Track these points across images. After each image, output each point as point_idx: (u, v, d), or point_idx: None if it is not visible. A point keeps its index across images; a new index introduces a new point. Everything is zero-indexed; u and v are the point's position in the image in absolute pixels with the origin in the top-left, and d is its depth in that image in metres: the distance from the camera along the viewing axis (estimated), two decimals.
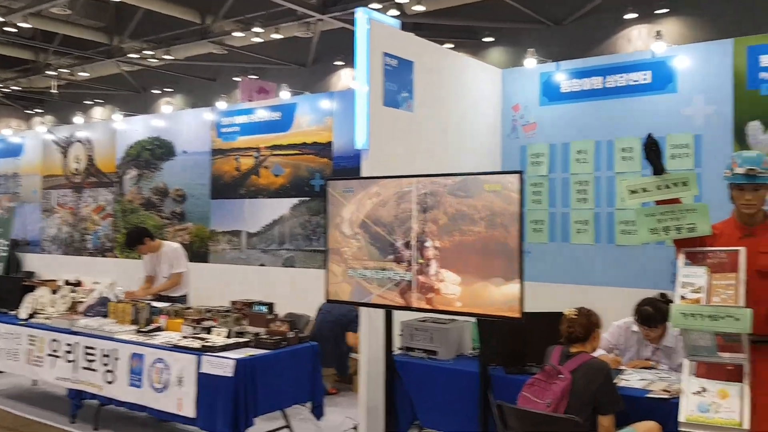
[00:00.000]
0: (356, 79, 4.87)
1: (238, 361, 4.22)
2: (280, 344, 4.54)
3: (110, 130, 10.38)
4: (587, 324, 3.45)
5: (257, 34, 14.15)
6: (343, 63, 16.48)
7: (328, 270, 4.21)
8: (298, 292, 7.55)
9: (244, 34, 14.49)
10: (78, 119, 11.40)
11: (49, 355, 5.37)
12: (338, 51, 16.32)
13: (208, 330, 4.89)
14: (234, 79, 17.07)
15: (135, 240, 6.09)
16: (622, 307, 4.35)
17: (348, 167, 7.60)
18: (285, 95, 8.24)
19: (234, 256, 8.62)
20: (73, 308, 6.00)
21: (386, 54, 4.94)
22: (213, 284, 7.40)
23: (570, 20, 14.35)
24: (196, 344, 4.54)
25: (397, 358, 4.13)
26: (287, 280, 7.92)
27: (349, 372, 6.32)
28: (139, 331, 5.09)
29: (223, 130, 8.86)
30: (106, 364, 4.93)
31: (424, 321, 4.40)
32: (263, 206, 8.38)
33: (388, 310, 4.00)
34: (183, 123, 9.49)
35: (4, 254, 6.78)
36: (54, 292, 6.08)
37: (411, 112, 5.20)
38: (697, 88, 5.24)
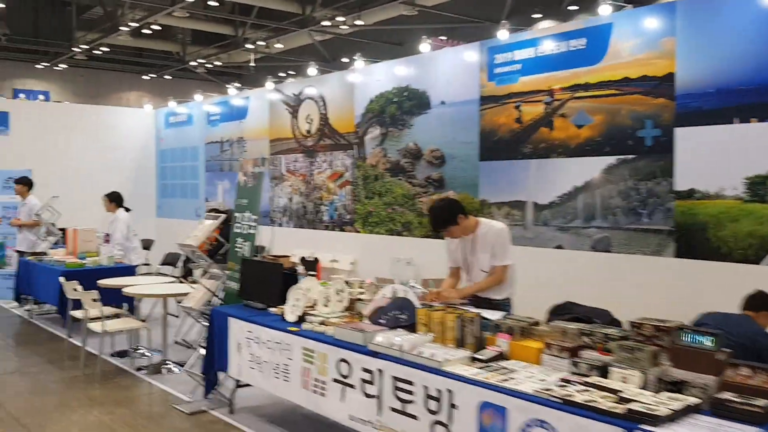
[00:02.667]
0: None
1: None
2: None
3: (346, 83, 8.83)
4: None
5: None
6: (541, 15, 14.01)
7: None
8: (631, 292, 5.41)
9: None
10: (312, 71, 9.98)
11: (336, 381, 3.71)
12: (535, 2, 13.97)
13: (603, 371, 2.91)
14: (425, 41, 15.54)
15: (447, 219, 4.08)
16: None
17: (703, 109, 5.27)
18: (606, 9, 5.90)
19: (517, 234, 6.63)
20: (351, 308, 4.36)
21: None
22: None
23: None
24: (612, 404, 2.55)
25: None
26: (607, 272, 5.78)
27: None
28: (474, 359, 3.25)
29: (498, 70, 6.85)
30: (433, 412, 3.14)
31: None
32: (559, 169, 6.28)
33: None
34: (439, 66, 7.64)
35: (253, 231, 5.30)
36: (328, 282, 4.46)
37: None
38: None
